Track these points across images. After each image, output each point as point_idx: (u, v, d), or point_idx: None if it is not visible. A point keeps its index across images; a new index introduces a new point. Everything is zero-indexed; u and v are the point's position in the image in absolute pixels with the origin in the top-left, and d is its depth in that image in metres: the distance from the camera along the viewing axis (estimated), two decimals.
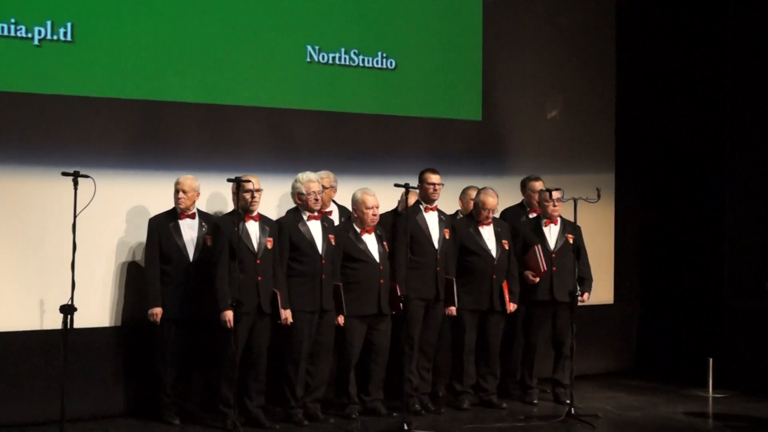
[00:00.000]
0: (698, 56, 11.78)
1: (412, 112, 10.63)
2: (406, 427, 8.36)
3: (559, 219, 9.86)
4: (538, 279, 9.71)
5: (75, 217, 7.43)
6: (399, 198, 9.62)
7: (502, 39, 11.19)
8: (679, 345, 11.73)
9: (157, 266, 8.71)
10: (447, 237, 9.37)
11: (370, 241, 9.04)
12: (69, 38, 8.82)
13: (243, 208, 8.49)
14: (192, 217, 8.86)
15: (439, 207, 9.53)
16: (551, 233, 9.86)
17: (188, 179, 8.83)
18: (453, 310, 9.37)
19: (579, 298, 9.52)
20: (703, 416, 9.67)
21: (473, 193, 9.83)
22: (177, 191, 8.79)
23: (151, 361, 8.81)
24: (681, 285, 11.84)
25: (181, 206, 8.80)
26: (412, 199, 9.39)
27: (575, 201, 9.25)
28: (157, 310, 8.63)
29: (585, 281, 9.82)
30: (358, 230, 9.04)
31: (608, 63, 11.96)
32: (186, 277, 8.72)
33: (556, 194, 9.69)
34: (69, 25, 8.82)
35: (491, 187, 9.67)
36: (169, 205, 8.87)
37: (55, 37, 8.77)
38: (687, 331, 11.67)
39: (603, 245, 11.65)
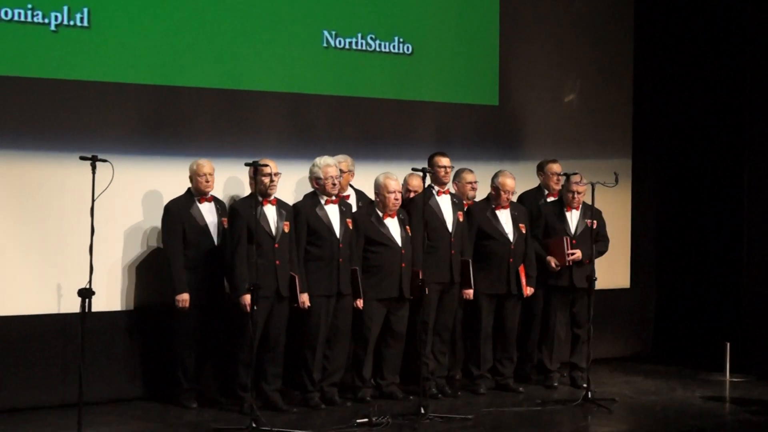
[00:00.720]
0: (717, 40, 11.72)
1: (428, 97, 10.62)
2: (422, 411, 8.36)
3: (581, 204, 9.85)
4: (559, 268, 9.71)
5: (93, 201, 7.43)
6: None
7: (519, 23, 11.16)
8: (696, 329, 11.70)
9: (180, 251, 8.72)
10: (461, 220, 9.37)
11: (393, 225, 9.05)
12: (85, 24, 8.84)
13: (261, 192, 8.50)
14: (210, 200, 8.89)
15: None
16: (572, 218, 9.84)
17: (209, 162, 8.85)
18: (470, 293, 9.38)
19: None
20: (720, 400, 9.67)
21: (468, 176, 9.79)
22: (202, 174, 8.80)
23: (168, 345, 8.85)
24: (698, 269, 11.81)
25: (208, 189, 8.83)
26: (414, 182, 9.39)
27: (593, 185, 9.24)
28: (185, 296, 8.64)
29: (599, 241, 9.82)
30: (381, 214, 9.05)
31: (626, 47, 11.92)
32: (209, 261, 8.74)
33: (575, 178, 9.67)
34: (85, 10, 8.83)
35: (508, 170, 9.68)
36: (185, 189, 8.89)
37: (71, 23, 8.78)
38: (704, 315, 11.64)
39: (620, 230, 11.62)
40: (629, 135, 11.93)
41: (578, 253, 9.68)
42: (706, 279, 11.70)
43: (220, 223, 8.83)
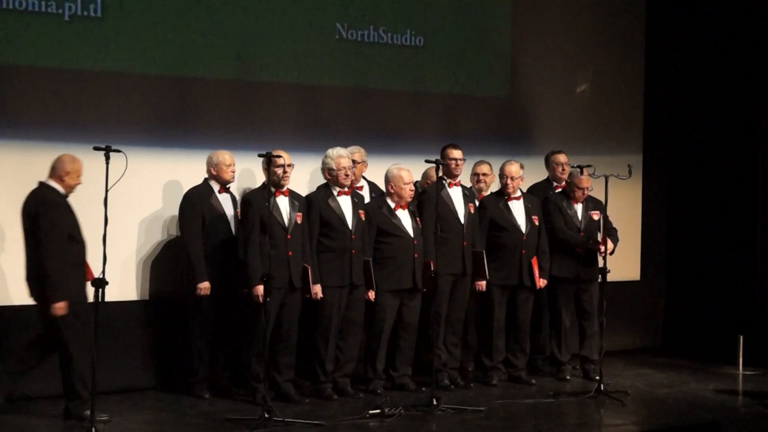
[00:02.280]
0: (730, 33, 11.68)
1: (440, 89, 10.60)
2: (435, 402, 8.36)
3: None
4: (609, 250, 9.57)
5: (107, 191, 7.43)
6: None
7: (531, 16, 11.14)
8: (706, 322, 11.68)
9: (200, 239, 8.68)
10: (472, 211, 9.36)
11: (404, 217, 9.05)
12: (99, 14, 8.84)
13: (274, 184, 8.48)
14: (227, 191, 8.89)
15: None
16: (578, 210, 9.83)
17: (230, 154, 8.88)
18: (483, 284, 9.36)
19: (601, 247, 9.52)
20: (734, 393, 9.65)
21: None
22: (229, 165, 8.81)
23: (182, 335, 8.84)
24: (709, 262, 11.78)
25: (232, 180, 8.85)
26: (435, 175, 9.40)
27: (606, 178, 9.21)
28: (206, 284, 8.60)
29: (612, 234, 9.76)
30: (392, 205, 9.04)
31: (637, 40, 11.91)
32: (226, 251, 8.71)
33: (587, 171, 9.65)
34: (99, 0, 8.83)
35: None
36: (198, 180, 8.88)
37: (84, 13, 8.78)
38: (715, 308, 11.62)
39: (630, 222, 11.62)
40: (640, 128, 11.92)
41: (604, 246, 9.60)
42: (718, 271, 11.67)
43: (236, 214, 8.82)
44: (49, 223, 7.76)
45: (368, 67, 10.22)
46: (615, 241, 9.82)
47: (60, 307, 7.70)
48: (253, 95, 9.58)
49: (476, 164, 9.87)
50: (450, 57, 10.69)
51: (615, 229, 9.93)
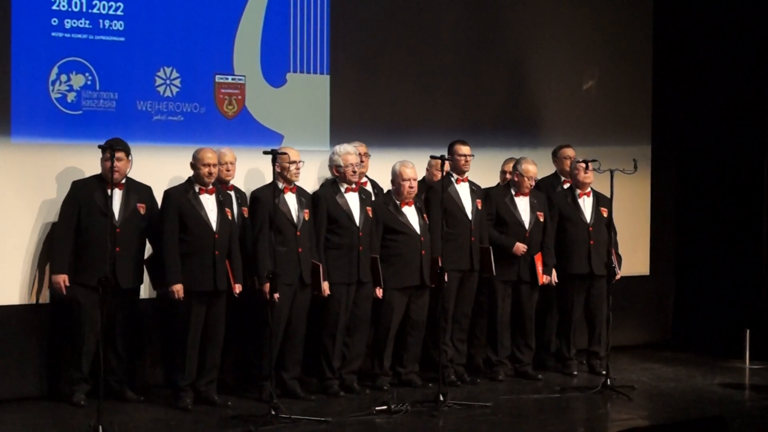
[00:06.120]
0: (738, 25, 11.64)
1: (447, 84, 10.60)
2: (441, 398, 8.38)
3: (592, 192, 9.82)
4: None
5: (111, 189, 7.45)
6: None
7: (539, 10, 11.14)
8: (715, 316, 11.66)
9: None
10: (479, 207, 9.36)
11: (411, 213, 9.05)
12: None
13: (286, 181, 8.48)
14: (231, 189, 8.86)
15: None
16: (586, 206, 9.82)
17: (231, 151, 8.84)
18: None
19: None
20: (740, 387, 9.65)
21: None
22: (224, 163, 8.70)
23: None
24: (718, 256, 11.75)
25: (229, 178, 8.78)
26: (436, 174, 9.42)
27: (612, 172, 9.19)
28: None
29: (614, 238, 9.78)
30: (398, 202, 9.04)
31: (645, 33, 11.87)
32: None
33: (591, 165, 9.63)
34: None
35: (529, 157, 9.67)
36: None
37: None
38: (724, 302, 11.60)
39: (639, 217, 11.60)
40: (648, 121, 11.89)
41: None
42: (726, 266, 11.64)
43: (240, 213, 8.78)
44: None
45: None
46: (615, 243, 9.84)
47: None
48: None
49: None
50: (458, 53, 10.69)
51: (615, 230, 9.90)
